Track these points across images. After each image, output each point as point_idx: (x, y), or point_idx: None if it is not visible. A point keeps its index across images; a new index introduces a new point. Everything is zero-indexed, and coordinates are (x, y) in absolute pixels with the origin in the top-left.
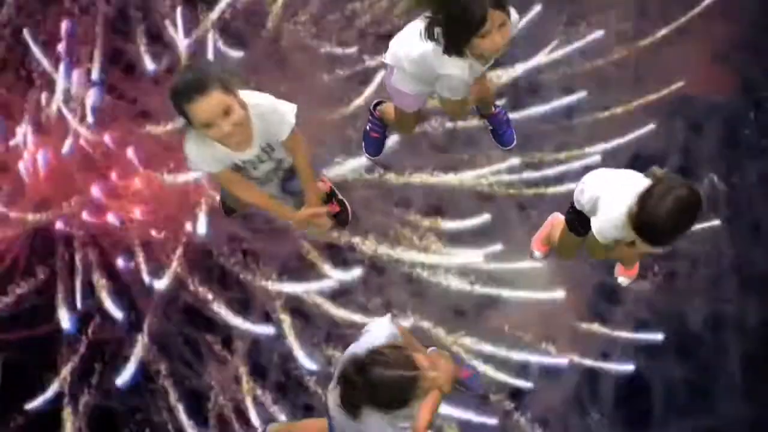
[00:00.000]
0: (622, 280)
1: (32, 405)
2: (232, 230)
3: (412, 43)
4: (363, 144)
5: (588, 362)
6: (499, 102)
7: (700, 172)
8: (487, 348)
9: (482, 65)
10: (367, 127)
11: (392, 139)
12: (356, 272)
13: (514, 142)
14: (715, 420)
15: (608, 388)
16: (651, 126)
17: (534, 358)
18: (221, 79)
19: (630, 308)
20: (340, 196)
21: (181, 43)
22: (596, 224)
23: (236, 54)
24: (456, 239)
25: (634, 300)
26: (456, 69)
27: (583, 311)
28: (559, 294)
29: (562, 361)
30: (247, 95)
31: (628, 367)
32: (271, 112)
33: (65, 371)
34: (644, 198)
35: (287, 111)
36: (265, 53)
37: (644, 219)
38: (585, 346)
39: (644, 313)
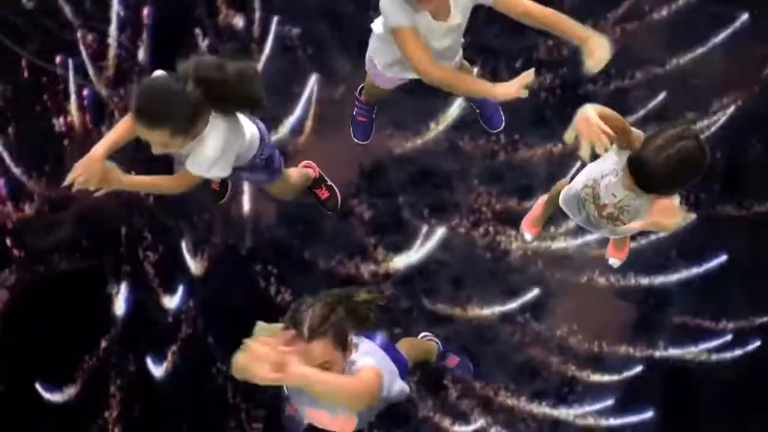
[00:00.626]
0: (613, 261)
1: (71, 389)
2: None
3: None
4: (351, 129)
5: (642, 353)
6: None
7: None
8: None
9: (439, 22)
10: (354, 112)
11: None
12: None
13: (503, 125)
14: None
15: (659, 383)
16: None
17: (588, 347)
18: (178, 122)
19: (684, 301)
20: (329, 182)
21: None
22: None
23: (296, 30)
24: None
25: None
26: (399, 17)
27: (635, 301)
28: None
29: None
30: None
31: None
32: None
33: (108, 346)
34: (652, 136)
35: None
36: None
37: (641, 154)
38: (638, 337)
39: (700, 305)
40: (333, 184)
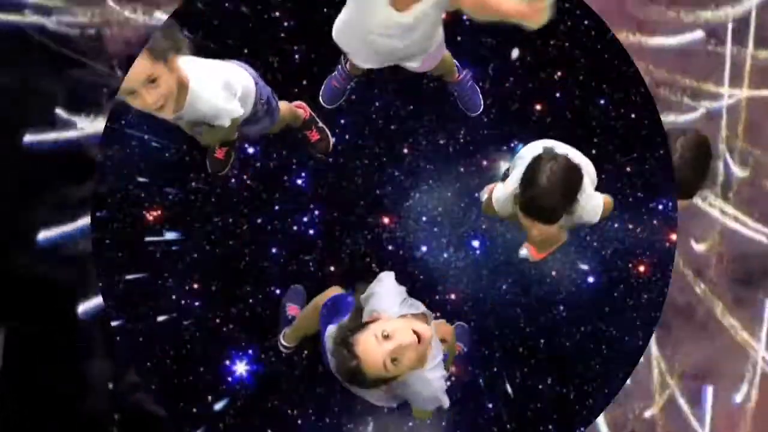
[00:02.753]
0: (523, 253)
1: None
2: None
3: None
4: (322, 89)
5: None
6: None
7: None
8: None
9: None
10: (332, 74)
11: None
12: None
13: (481, 108)
14: None
15: None
16: None
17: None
18: (150, 47)
19: None
20: (321, 124)
21: None
22: (496, 192)
23: None
24: None
25: None
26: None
27: None
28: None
29: None
30: (195, 68)
31: None
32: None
33: None
34: (528, 169)
35: (228, 109)
36: None
37: (526, 187)
38: None
39: None
40: (324, 126)
